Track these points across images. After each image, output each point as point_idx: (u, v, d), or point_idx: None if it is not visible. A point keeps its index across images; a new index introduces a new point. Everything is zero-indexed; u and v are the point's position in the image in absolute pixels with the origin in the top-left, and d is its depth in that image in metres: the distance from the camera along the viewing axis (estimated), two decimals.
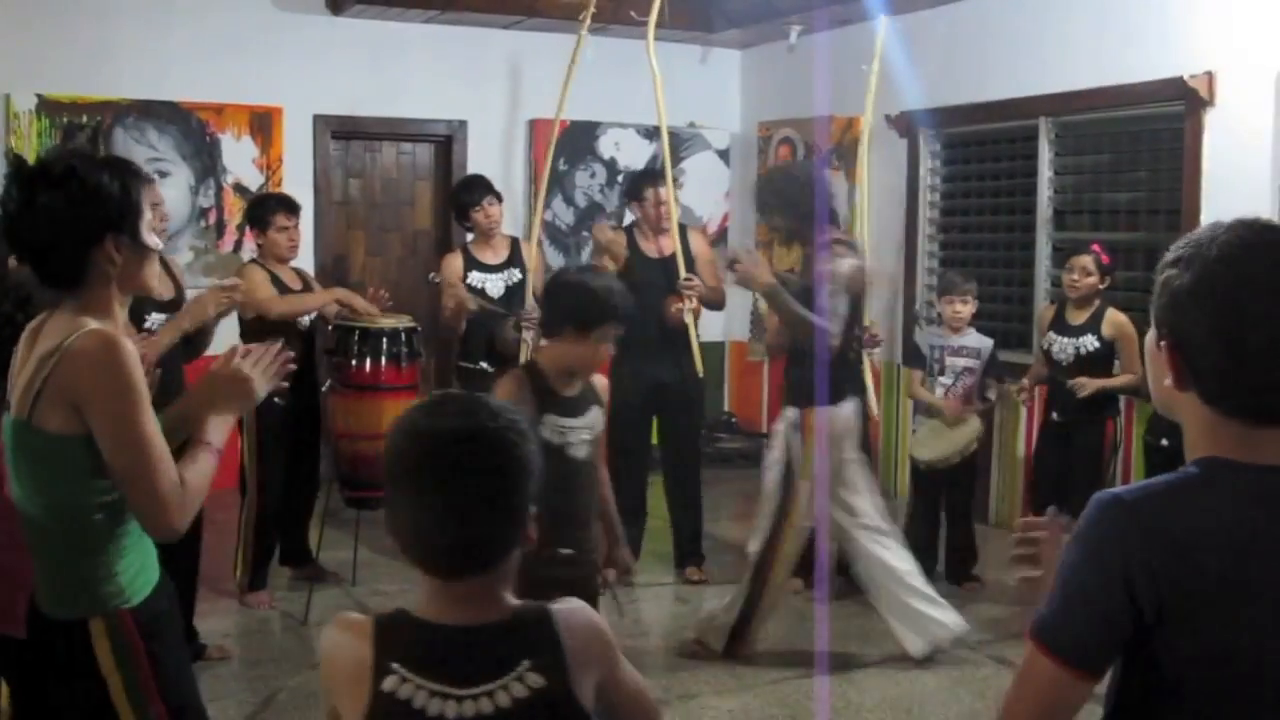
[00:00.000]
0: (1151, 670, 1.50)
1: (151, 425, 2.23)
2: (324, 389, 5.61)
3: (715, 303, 6.11)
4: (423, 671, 1.65)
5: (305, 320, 5.55)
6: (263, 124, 7.71)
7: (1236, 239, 1.52)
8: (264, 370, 2.44)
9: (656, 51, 6.13)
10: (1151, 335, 1.60)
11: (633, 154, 8.62)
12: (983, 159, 7.35)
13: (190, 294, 4.95)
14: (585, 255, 8.31)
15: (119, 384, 2.20)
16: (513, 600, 1.74)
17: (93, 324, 2.24)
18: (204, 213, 7.62)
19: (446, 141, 8.29)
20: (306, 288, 5.66)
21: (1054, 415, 5.67)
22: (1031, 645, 1.54)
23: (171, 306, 4.77)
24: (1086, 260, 5.49)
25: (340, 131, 8.04)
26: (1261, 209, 5.36)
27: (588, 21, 6.52)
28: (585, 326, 3.32)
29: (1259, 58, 5.63)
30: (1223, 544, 1.48)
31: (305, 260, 6.77)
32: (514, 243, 6.15)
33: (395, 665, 1.65)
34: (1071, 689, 1.51)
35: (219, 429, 2.38)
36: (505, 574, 1.73)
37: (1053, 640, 1.51)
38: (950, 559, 5.95)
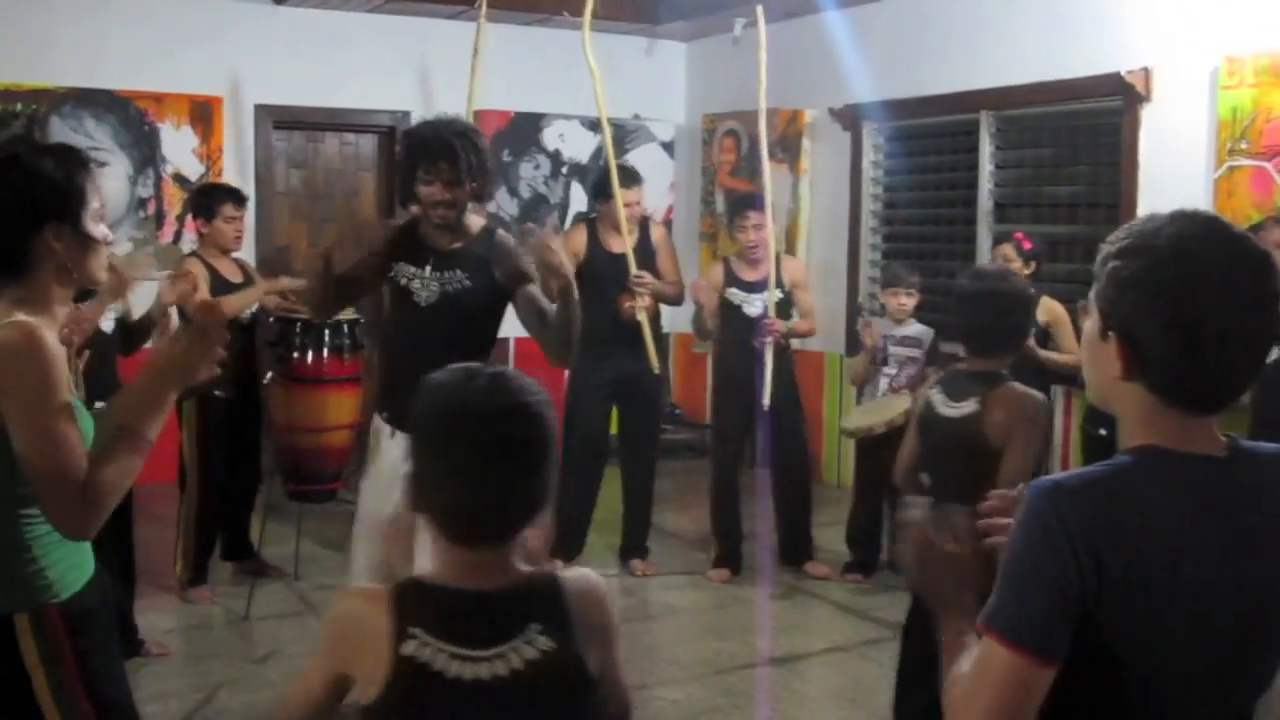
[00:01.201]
0: (1084, 654, 1.51)
1: (64, 423, 2.17)
2: (266, 381, 5.56)
3: (673, 296, 6.08)
4: (441, 635, 1.70)
5: (246, 312, 5.50)
6: (203, 113, 7.62)
7: (1186, 231, 1.54)
8: (200, 345, 2.31)
9: (602, 44, 6.14)
10: (1092, 326, 1.61)
11: (577, 146, 8.61)
12: (925, 152, 7.40)
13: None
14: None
15: (33, 378, 2.15)
16: (523, 566, 1.80)
17: (20, 317, 2.20)
18: (143, 203, 7.52)
19: (390, 132, 8.23)
20: (247, 280, 5.60)
21: None
22: (987, 638, 1.51)
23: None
24: (1007, 248, 5.58)
25: (282, 121, 7.96)
26: (1196, 201, 5.44)
27: (484, 9, 6.53)
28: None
29: (1194, 54, 5.72)
30: (1156, 529, 1.51)
31: (247, 252, 6.70)
32: None
33: (415, 630, 1.70)
34: (1034, 677, 1.48)
35: (154, 418, 2.24)
36: (520, 542, 1.80)
37: (1009, 629, 1.49)
38: (893, 549, 6.01)
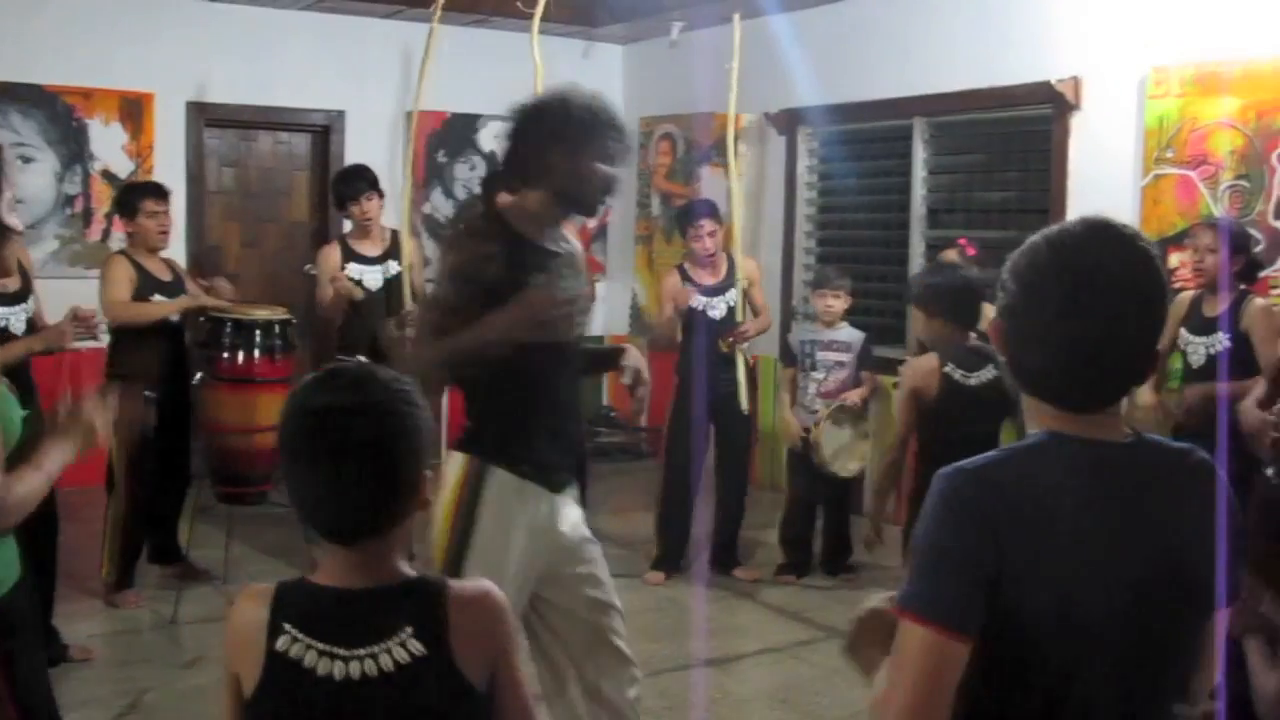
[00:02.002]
0: (995, 634, 1.52)
1: None
2: (195, 382, 5.48)
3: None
4: (312, 631, 1.69)
5: (175, 316, 5.41)
6: (133, 110, 7.50)
7: (1074, 226, 1.60)
8: (106, 416, 2.39)
9: (539, 45, 6.12)
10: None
11: None
12: (860, 157, 7.46)
13: (39, 284, 4.74)
14: None
15: None
16: (408, 569, 1.78)
17: None
18: (70, 200, 7.39)
19: (324, 132, 8.16)
20: (176, 279, 5.52)
21: None
22: (904, 621, 1.53)
23: (15, 299, 4.55)
24: (951, 254, 5.63)
25: (215, 119, 7.85)
26: (1124, 208, 5.56)
27: (438, 10, 6.50)
28: None
29: (1123, 64, 5.83)
30: (1058, 511, 1.54)
31: (178, 251, 6.61)
32: (394, 235, 6.05)
33: (287, 626, 1.70)
34: (952, 652, 1.50)
35: (57, 458, 2.29)
36: (398, 539, 1.77)
37: (924, 608, 1.51)
38: (826, 550, 6.04)
